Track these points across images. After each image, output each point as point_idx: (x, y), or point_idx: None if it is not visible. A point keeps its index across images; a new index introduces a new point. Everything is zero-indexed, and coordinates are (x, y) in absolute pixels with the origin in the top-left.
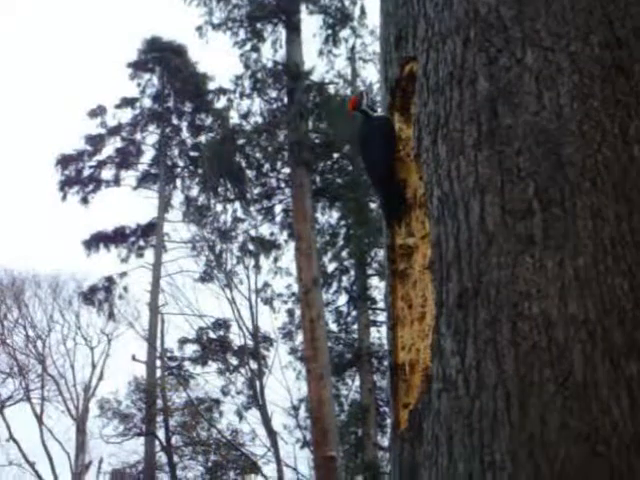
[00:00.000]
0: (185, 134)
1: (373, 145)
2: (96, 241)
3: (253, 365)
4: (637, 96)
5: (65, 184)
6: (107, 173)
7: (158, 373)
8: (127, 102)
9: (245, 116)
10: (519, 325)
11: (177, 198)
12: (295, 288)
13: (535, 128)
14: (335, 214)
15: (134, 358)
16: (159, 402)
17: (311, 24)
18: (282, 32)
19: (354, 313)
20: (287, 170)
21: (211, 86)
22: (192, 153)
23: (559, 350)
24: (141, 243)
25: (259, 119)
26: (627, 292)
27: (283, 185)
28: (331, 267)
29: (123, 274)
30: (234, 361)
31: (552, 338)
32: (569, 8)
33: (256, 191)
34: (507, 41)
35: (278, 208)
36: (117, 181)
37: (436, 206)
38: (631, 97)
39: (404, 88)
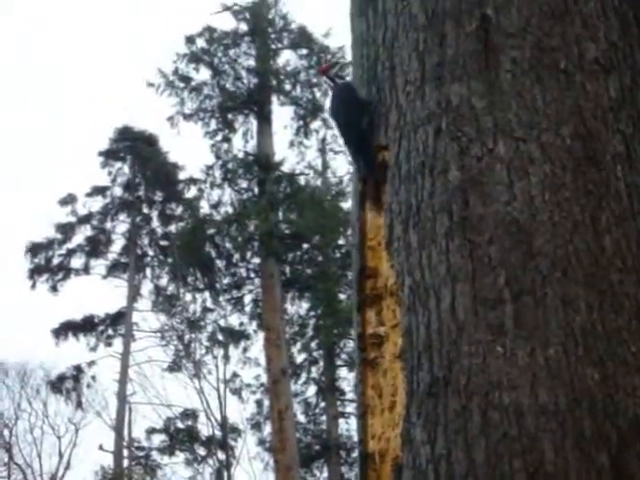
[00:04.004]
0: (155, 223)
1: (338, 111)
2: (65, 330)
3: (221, 456)
4: (608, 186)
5: (34, 272)
6: (77, 261)
7: (125, 463)
8: (98, 191)
9: (215, 206)
10: (490, 414)
11: (146, 287)
12: (264, 378)
13: (506, 218)
14: (304, 305)
15: (101, 448)
16: None
17: (282, 115)
18: (253, 123)
19: (323, 404)
20: (257, 260)
21: (182, 176)
22: (162, 242)
23: (530, 440)
24: (110, 332)
25: (229, 209)
26: (598, 382)
27: (253, 275)
28: (300, 358)
29: (91, 363)
30: (202, 451)
31: (523, 428)
32: (540, 99)
33: (226, 281)
34: (479, 131)
35: (248, 298)
36: (87, 269)
37: (407, 295)
38: (602, 187)
39: (376, 177)
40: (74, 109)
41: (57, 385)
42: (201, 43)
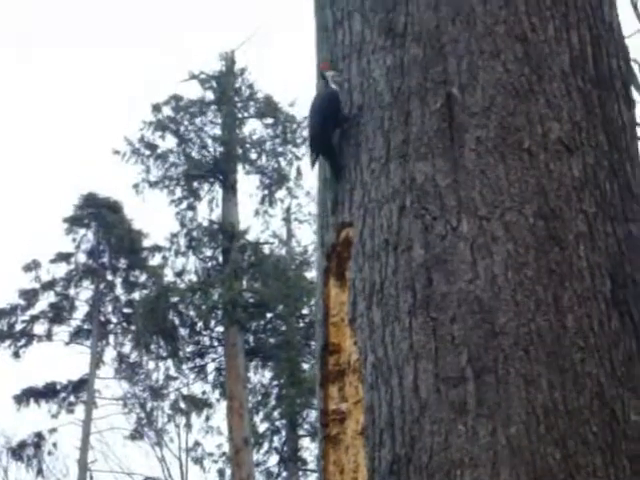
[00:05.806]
0: (119, 290)
1: (316, 115)
2: (26, 396)
3: None
4: (571, 266)
5: None
6: (39, 328)
7: None
8: (62, 257)
9: (180, 274)
10: None
11: (109, 354)
12: (226, 447)
13: (469, 296)
14: (267, 374)
15: None
16: None
17: (247, 184)
18: (218, 191)
19: (284, 474)
20: (220, 329)
21: (146, 243)
22: (126, 310)
23: None
24: (72, 399)
25: (193, 277)
26: (559, 461)
27: (216, 344)
28: (262, 427)
29: (53, 430)
30: None
31: None
32: (504, 178)
33: (189, 349)
34: (443, 209)
35: (211, 367)
36: (49, 336)
37: (370, 372)
38: (564, 267)
39: (340, 253)
40: (39, 175)
41: (18, 452)
42: (167, 111)
